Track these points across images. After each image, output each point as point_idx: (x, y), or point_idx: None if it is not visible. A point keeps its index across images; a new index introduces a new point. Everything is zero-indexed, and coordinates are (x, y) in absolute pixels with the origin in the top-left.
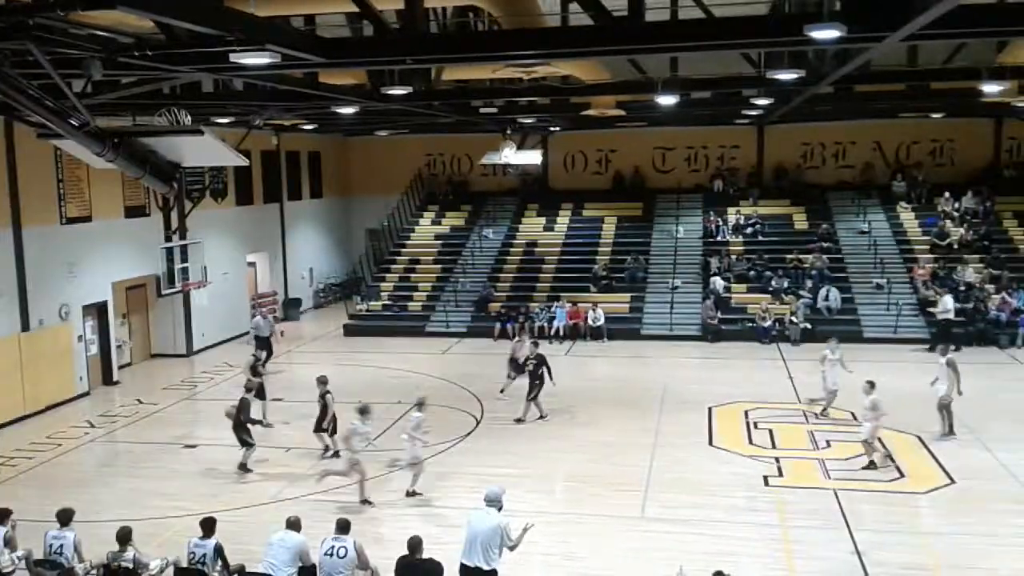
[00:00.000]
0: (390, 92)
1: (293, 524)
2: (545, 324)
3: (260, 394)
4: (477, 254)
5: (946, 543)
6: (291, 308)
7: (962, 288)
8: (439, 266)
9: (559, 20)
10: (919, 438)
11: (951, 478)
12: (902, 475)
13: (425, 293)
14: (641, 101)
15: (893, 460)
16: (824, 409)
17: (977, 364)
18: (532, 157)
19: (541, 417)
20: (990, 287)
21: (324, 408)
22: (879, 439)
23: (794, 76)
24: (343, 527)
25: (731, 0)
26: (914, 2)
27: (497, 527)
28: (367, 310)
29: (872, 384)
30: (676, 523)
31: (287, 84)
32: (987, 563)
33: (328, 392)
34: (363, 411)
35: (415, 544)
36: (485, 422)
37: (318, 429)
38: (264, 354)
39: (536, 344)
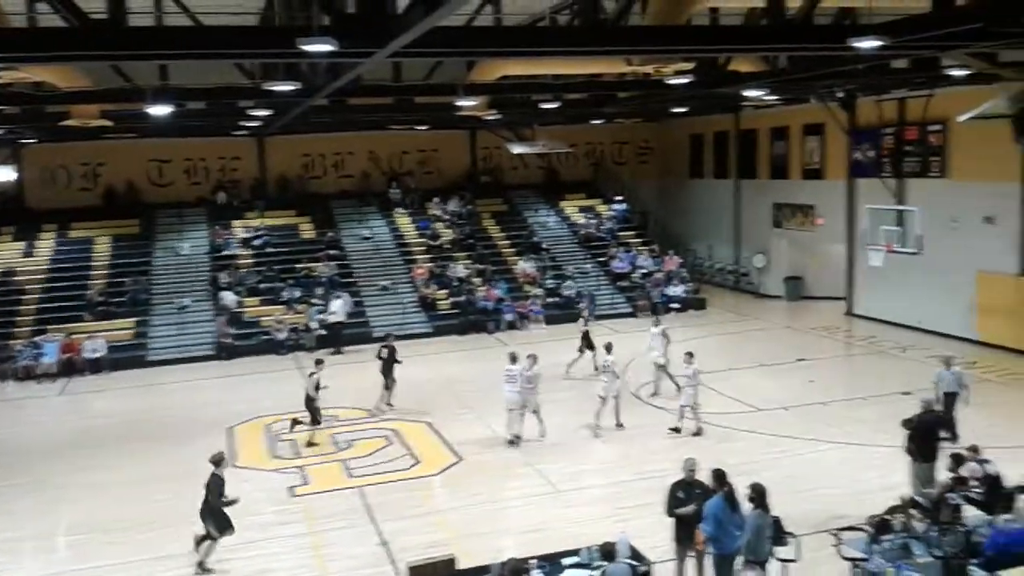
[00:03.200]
0: None
1: None
2: (31, 362)
3: None
4: None
5: (460, 515)
6: None
7: (455, 283)
8: None
9: (26, 21)
10: (428, 423)
11: (458, 455)
12: (417, 461)
13: None
14: (130, 110)
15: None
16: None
17: (471, 350)
18: (2, 173)
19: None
20: (477, 280)
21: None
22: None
23: (290, 88)
24: None
25: (221, 9)
26: (397, 22)
27: None
28: None
29: (691, 355)
30: None
31: None
32: (496, 525)
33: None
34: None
35: None
36: None
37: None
38: None
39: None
